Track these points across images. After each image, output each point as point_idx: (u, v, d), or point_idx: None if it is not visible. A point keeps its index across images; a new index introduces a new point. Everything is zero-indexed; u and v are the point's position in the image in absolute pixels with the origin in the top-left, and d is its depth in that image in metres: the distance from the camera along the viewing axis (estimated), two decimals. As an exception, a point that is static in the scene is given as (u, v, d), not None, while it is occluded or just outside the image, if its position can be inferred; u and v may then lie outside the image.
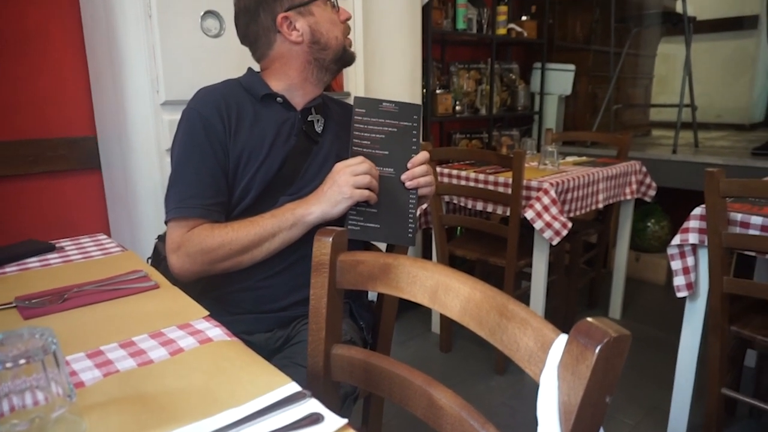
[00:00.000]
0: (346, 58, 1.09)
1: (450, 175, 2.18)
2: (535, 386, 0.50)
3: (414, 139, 1.01)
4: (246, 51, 1.11)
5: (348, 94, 2.00)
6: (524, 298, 1.96)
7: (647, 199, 2.44)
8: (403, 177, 1.00)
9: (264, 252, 0.96)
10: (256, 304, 1.04)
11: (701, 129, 3.27)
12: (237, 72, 1.12)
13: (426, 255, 2.60)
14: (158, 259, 1.11)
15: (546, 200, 1.85)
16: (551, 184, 1.86)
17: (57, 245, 1.12)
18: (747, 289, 1.38)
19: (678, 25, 3.33)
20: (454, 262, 2.26)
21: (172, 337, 0.72)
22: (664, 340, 2.26)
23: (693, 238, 1.46)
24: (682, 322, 1.56)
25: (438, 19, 2.72)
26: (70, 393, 0.52)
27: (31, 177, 1.69)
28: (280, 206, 0.98)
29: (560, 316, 2.31)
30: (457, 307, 0.62)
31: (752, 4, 4.56)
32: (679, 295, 1.51)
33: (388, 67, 2.23)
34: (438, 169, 2.22)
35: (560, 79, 3.30)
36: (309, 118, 1.08)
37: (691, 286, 1.50)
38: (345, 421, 0.54)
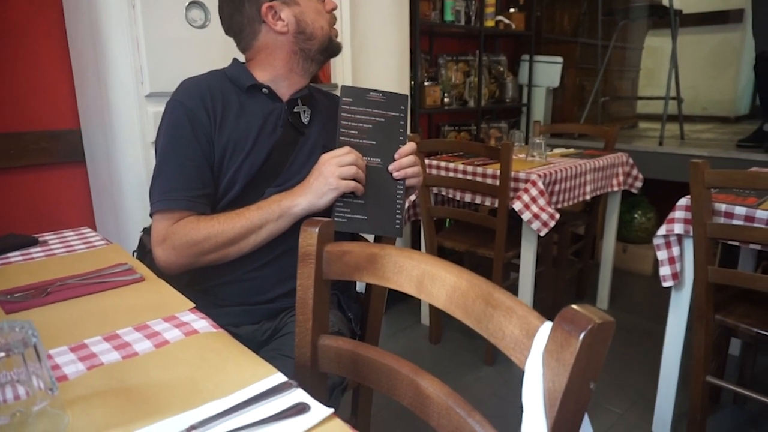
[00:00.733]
0: (332, 48, 1.08)
1: (438, 167, 2.18)
2: (523, 376, 0.50)
3: (401, 130, 1.01)
4: (232, 42, 1.10)
5: (336, 86, 1.99)
6: (512, 289, 1.97)
7: (634, 190, 2.46)
8: (391, 167, 0.99)
9: (251, 244, 0.96)
10: (244, 296, 1.03)
11: (687, 121, 3.30)
12: (223, 63, 1.11)
13: (415, 247, 2.60)
14: (144, 252, 1.09)
15: (534, 192, 1.86)
16: (539, 175, 1.87)
17: (40, 239, 1.10)
18: (731, 278, 1.40)
19: (664, 18, 3.35)
20: (442, 253, 2.26)
21: (158, 329, 0.71)
22: (651, 330, 2.29)
23: (678, 228, 1.47)
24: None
25: (426, 10, 2.70)
26: (51, 386, 0.51)
27: (14, 171, 1.66)
28: (267, 198, 0.97)
29: (548, 306, 2.33)
30: (443, 296, 0.62)
31: (737, -3, 4.60)
32: (665, 284, 1.53)
33: (375, 59, 2.22)
34: (426, 161, 2.22)
35: (548, 71, 3.31)
36: (295, 109, 1.07)
37: (676, 276, 1.52)
38: (331, 410, 0.54)
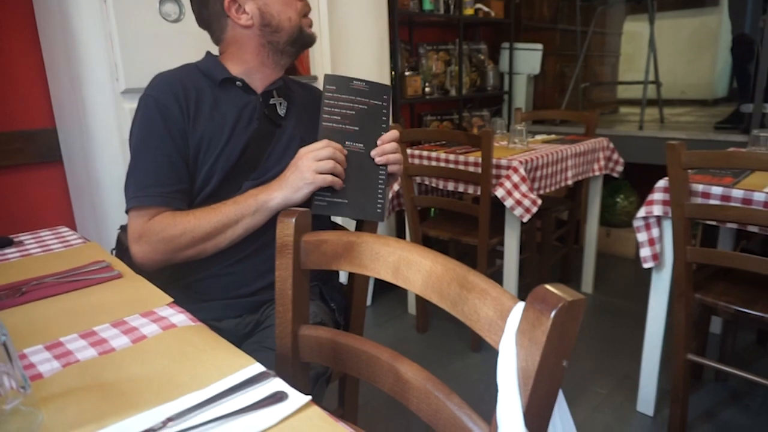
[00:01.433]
0: (303, 39, 1.06)
1: (421, 156, 2.18)
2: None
3: (384, 118, 1.01)
4: (207, 36, 1.09)
5: (315, 78, 1.98)
6: (497, 276, 1.98)
7: (615, 174, 2.49)
8: (373, 153, 0.99)
9: (228, 239, 0.95)
10: (224, 291, 1.03)
11: (666, 105, 3.33)
12: (200, 57, 1.09)
13: (400, 237, 2.60)
14: (122, 250, 1.08)
15: (516, 178, 1.87)
16: (520, 162, 1.88)
17: (15, 239, 1.08)
18: (709, 257, 1.42)
19: (642, 2, 3.36)
20: (427, 242, 2.26)
21: (135, 324, 0.71)
22: (634, 312, 2.32)
23: (657, 209, 1.49)
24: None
25: (405, 0, 2.69)
26: (24, 385, 0.50)
27: (-12, 172, 1.63)
28: (244, 192, 0.97)
29: (534, 292, 2.35)
30: (419, 282, 0.62)
31: (714, -20, 4.64)
32: (646, 266, 1.55)
33: (355, 50, 2.21)
34: (409, 150, 2.22)
35: (528, 58, 3.32)
36: (271, 102, 1.06)
37: (656, 257, 1.54)
38: (308, 398, 0.54)
